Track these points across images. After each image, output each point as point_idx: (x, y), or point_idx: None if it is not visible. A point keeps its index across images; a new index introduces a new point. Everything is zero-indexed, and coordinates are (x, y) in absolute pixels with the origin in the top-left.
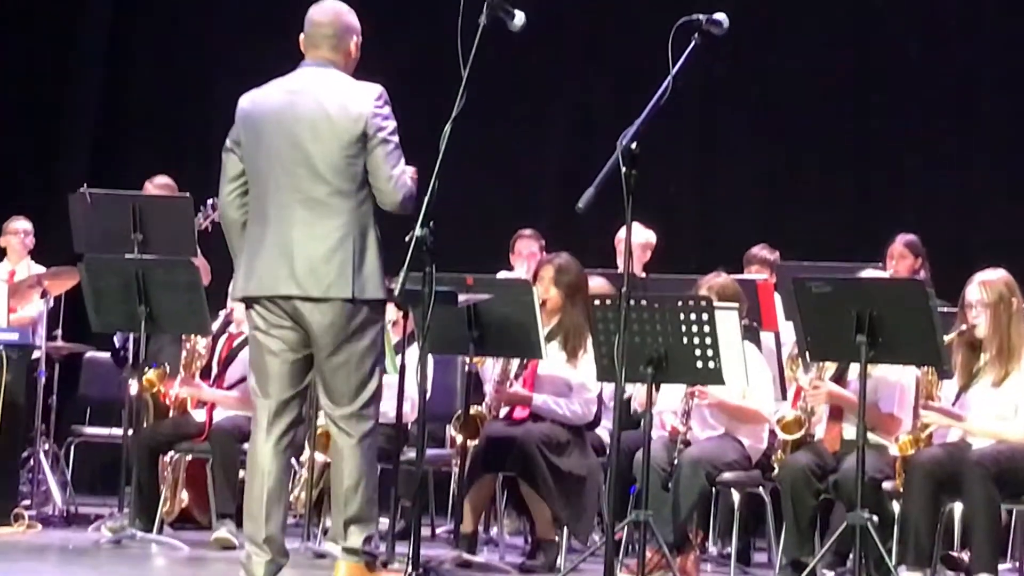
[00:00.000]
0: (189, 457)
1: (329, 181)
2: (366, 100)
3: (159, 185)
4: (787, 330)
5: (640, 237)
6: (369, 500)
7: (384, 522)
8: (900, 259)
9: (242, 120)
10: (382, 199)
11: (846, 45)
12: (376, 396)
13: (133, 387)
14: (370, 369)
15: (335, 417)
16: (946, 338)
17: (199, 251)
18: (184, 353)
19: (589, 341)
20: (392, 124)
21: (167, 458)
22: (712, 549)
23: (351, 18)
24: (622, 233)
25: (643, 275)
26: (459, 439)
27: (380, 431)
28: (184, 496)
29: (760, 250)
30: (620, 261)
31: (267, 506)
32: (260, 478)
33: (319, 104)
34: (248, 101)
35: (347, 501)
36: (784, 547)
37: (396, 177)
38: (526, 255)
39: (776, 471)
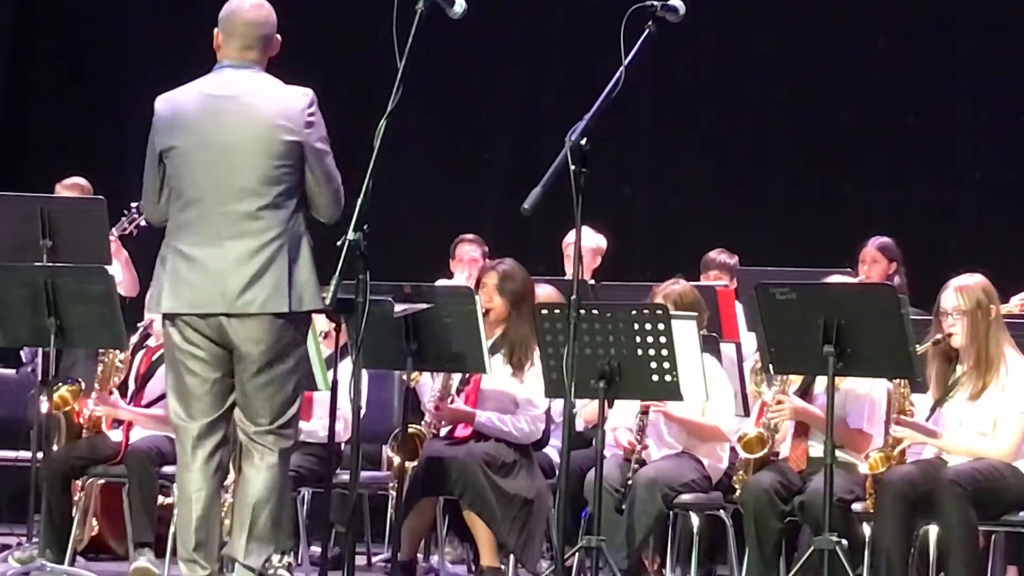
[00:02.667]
0: (102, 481)
1: (259, 193)
2: (297, 106)
3: (69, 186)
4: (749, 341)
5: (590, 241)
6: (276, 520)
7: (315, 550)
8: (872, 264)
9: (160, 126)
10: (317, 210)
11: (813, 39)
12: (296, 418)
13: (43, 405)
14: (293, 389)
15: (251, 433)
16: (920, 348)
17: (129, 261)
18: (100, 368)
19: (536, 354)
20: (323, 131)
21: (79, 483)
22: None
23: (274, 14)
24: (571, 237)
25: (593, 282)
26: (396, 460)
27: (312, 452)
28: (95, 523)
29: (718, 254)
30: (568, 267)
31: (197, 528)
32: (188, 504)
33: (247, 111)
34: (166, 105)
35: (254, 517)
36: (747, 574)
37: (332, 187)
38: (467, 261)
39: (738, 492)
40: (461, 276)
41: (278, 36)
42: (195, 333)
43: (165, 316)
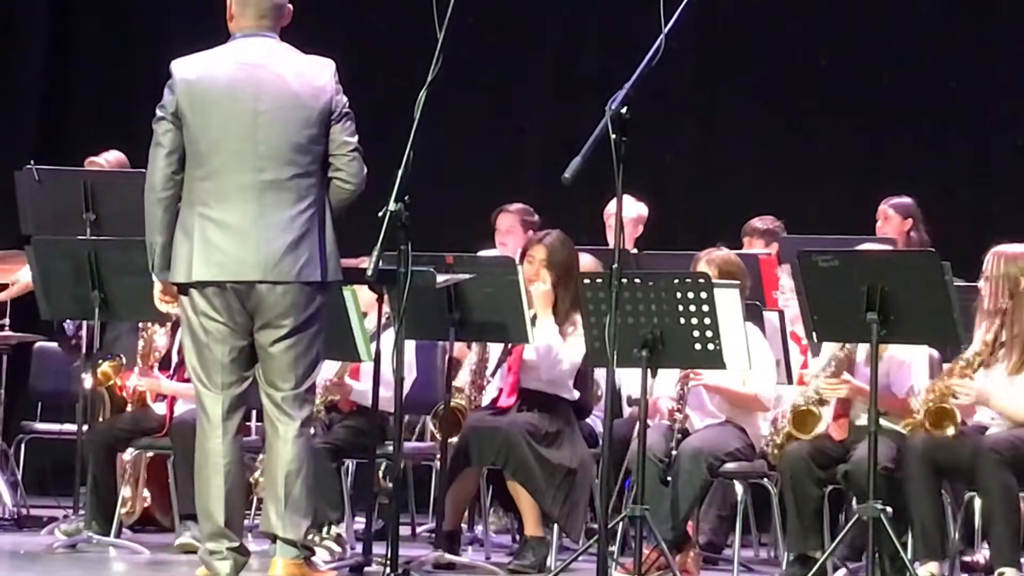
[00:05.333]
0: (149, 454)
1: (294, 162)
2: (326, 75)
3: (109, 162)
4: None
5: (632, 210)
6: (309, 489)
7: (360, 521)
8: (885, 220)
9: (186, 92)
10: (347, 176)
11: (855, 2)
12: (315, 383)
13: (87, 380)
14: (317, 353)
15: (277, 399)
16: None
17: None
18: (141, 343)
19: (579, 321)
20: (344, 98)
21: (125, 455)
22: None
23: None
24: (612, 206)
25: (635, 251)
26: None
27: (356, 423)
28: (146, 495)
29: (761, 221)
30: (610, 236)
31: (227, 504)
32: (218, 476)
33: (282, 80)
34: (192, 72)
35: (288, 488)
36: (789, 541)
37: (357, 150)
38: (509, 232)
39: (776, 460)
40: (510, 247)
41: (290, 6)
42: (222, 300)
43: (190, 284)
